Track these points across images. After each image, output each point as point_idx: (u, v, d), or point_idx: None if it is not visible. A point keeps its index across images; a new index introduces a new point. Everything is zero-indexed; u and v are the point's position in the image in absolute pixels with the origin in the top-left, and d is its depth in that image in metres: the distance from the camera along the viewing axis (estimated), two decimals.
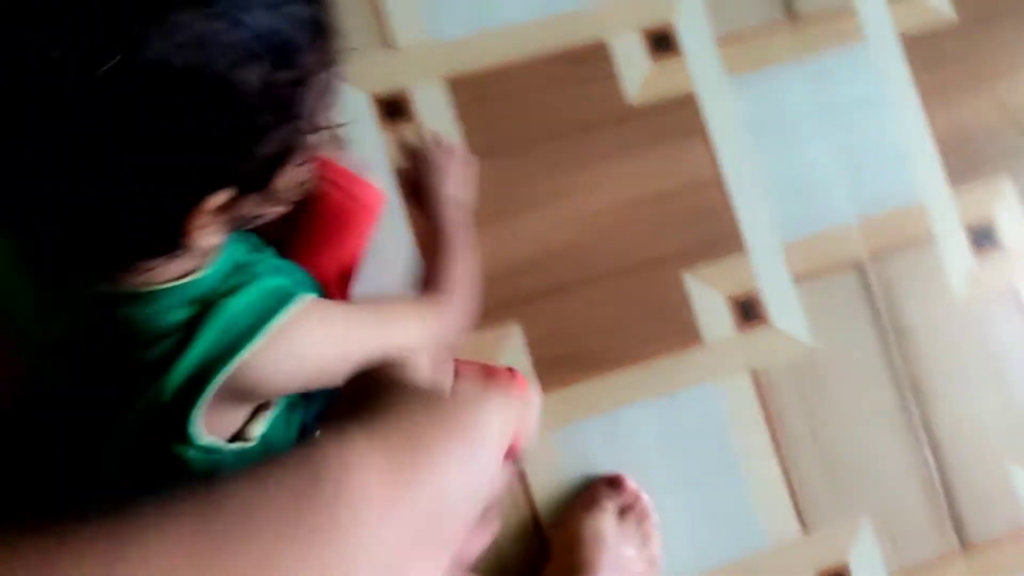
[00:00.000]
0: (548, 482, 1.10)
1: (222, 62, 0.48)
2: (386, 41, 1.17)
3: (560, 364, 1.12)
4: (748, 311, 1.16)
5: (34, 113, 0.48)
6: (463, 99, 1.16)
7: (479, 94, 1.16)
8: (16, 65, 0.47)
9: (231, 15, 0.48)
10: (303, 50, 0.52)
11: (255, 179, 0.56)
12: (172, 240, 0.55)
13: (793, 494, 1.13)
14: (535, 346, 1.11)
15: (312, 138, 0.57)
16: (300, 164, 0.58)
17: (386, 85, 1.16)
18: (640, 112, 1.19)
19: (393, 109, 1.16)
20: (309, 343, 0.62)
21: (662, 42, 1.21)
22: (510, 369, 0.90)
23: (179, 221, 0.54)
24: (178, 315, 0.59)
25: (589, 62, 1.19)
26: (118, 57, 0.46)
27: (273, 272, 0.64)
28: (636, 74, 1.20)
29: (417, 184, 0.92)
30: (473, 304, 0.85)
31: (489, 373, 0.90)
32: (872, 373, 1.17)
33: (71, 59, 0.46)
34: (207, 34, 0.48)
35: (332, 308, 0.68)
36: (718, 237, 1.17)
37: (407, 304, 0.80)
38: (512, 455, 0.86)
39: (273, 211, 0.62)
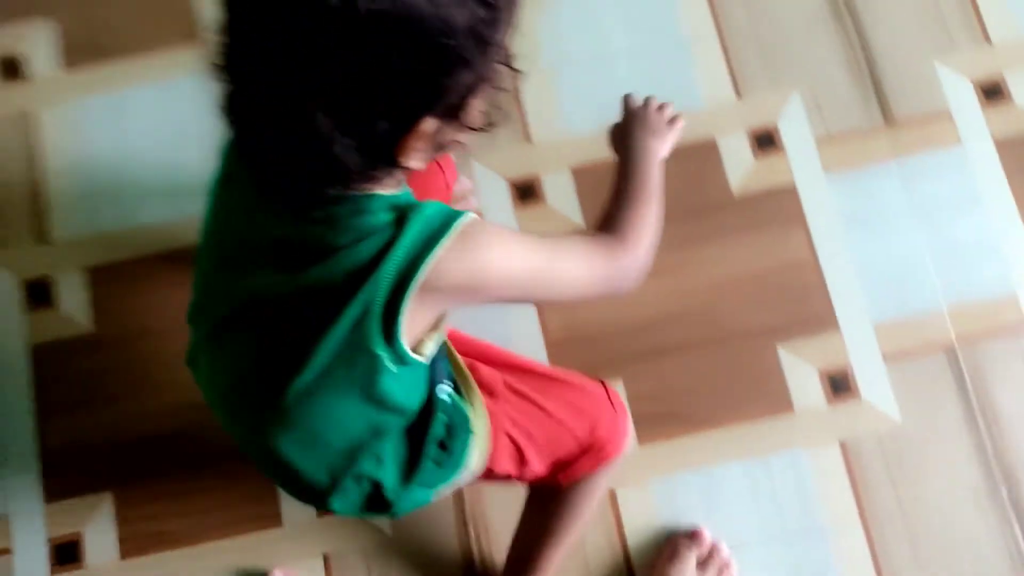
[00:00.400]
0: (641, 528, 1.20)
1: (442, 5, 0.60)
2: (524, 136, 1.37)
3: (658, 421, 1.24)
4: (839, 385, 1.24)
5: (290, 33, 0.60)
6: (585, 185, 1.34)
7: (600, 180, 1.32)
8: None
9: None
10: None
11: (457, 106, 0.66)
12: (391, 157, 0.66)
13: (876, 563, 1.18)
14: (635, 402, 1.22)
15: (498, 68, 0.67)
16: (487, 93, 0.68)
17: (521, 172, 1.35)
18: (742, 202, 1.32)
19: (526, 192, 1.34)
20: (484, 246, 0.71)
21: (765, 141, 1.35)
22: (604, 383, 0.99)
23: (399, 140, 0.65)
24: (384, 217, 0.69)
25: (698, 157, 1.34)
26: None
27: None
28: (740, 169, 1.34)
29: (621, 131, 0.96)
30: (650, 253, 0.85)
31: (585, 384, 0.97)
32: (961, 453, 1.22)
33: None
34: None
35: (501, 226, 0.78)
36: (812, 315, 1.27)
37: (578, 240, 0.83)
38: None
39: (463, 137, 0.71)
